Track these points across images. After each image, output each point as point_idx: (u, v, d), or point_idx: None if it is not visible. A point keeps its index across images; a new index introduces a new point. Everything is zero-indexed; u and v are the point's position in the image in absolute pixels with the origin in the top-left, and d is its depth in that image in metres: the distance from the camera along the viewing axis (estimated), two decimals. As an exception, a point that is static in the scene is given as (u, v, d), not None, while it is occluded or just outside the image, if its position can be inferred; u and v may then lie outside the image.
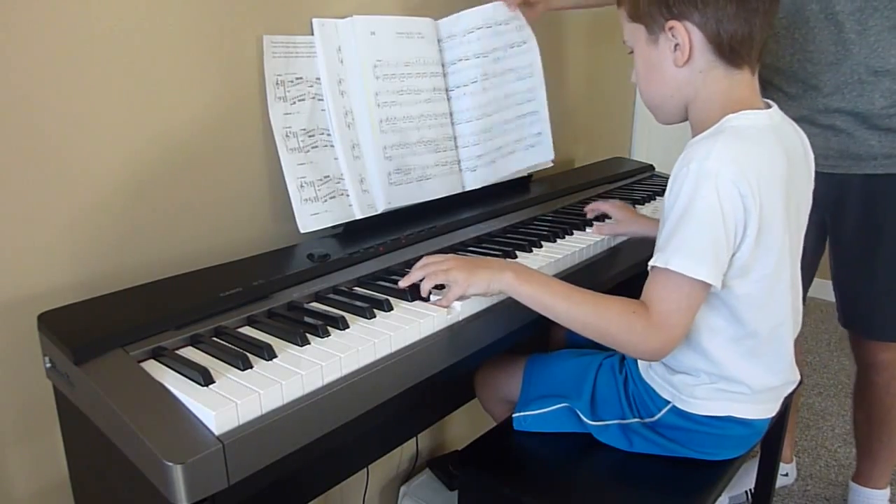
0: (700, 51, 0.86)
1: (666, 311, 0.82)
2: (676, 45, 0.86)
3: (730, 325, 0.88)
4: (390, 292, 0.93)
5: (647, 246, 1.15)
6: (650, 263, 0.84)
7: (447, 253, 1.09)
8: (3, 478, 0.90)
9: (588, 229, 1.24)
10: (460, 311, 0.88)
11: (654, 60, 0.90)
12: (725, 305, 0.87)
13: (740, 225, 0.81)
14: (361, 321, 0.84)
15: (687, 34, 0.84)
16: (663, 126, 0.99)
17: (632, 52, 0.94)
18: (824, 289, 3.14)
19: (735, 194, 0.79)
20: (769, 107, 0.90)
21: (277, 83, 1.07)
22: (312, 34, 1.11)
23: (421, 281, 0.90)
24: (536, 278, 0.89)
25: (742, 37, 0.84)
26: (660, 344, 0.83)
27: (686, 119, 0.94)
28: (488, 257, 1.01)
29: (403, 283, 0.92)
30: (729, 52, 0.85)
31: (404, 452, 1.58)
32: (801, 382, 1.07)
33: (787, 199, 0.86)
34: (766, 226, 0.83)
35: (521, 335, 0.98)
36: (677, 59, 0.87)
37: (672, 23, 0.85)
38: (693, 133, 0.91)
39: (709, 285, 0.81)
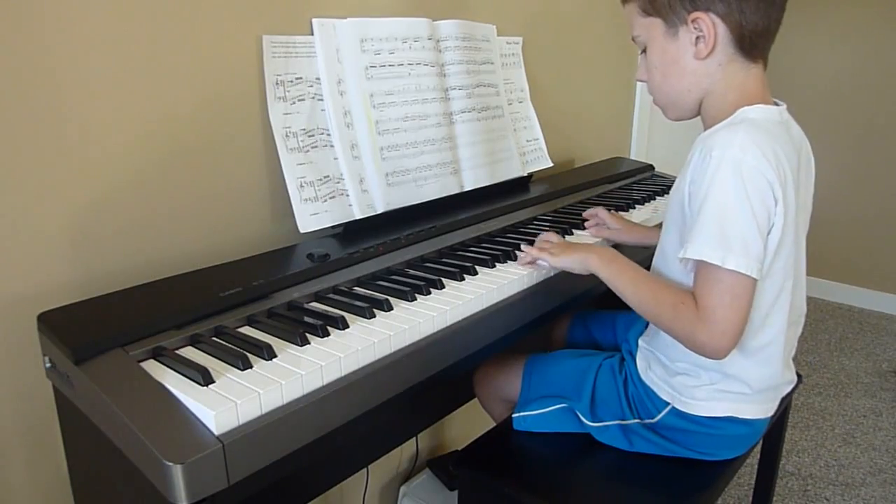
0: (722, 43, 0.86)
1: (710, 306, 0.80)
2: (698, 37, 0.86)
3: None
4: (390, 292, 0.93)
5: (646, 247, 1.15)
6: (681, 255, 0.83)
7: (447, 252, 1.10)
8: (3, 478, 0.90)
9: (588, 230, 1.24)
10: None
11: (672, 54, 0.89)
12: None
13: (771, 213, 0.80)
14: (361, 321, 0.84)
15: (712, 25, 0.85)
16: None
17: (643, 50, 0.94)
18: (824, 289, 3.17)
19: (762, 181, 0.79)
20: (776, 105, 0.90)
21: (277, 83, 1.07)
22: (312, 34, 1.11)
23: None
24: (616, 264, 0.93)
25: (761, 30, 0.85)
26: (708, 338, 0.81)
27: (697, 115, 0.94)
28: (589, 244, 1.08)
29: (524, 252, 1.04)
30: (749, 44, 0.86)
31: (404, 452, 1.58)
32: (799, 382, 1.07)
33: (795, 195, 0.86)
34: (787, 218, 0.82)
35: (521, 335, 0.98)
36: (699, 52, 0.87)
37: (696, 14, 0.85)
38: (705, 126, 0.91)
39: (746, 275, 0.78)
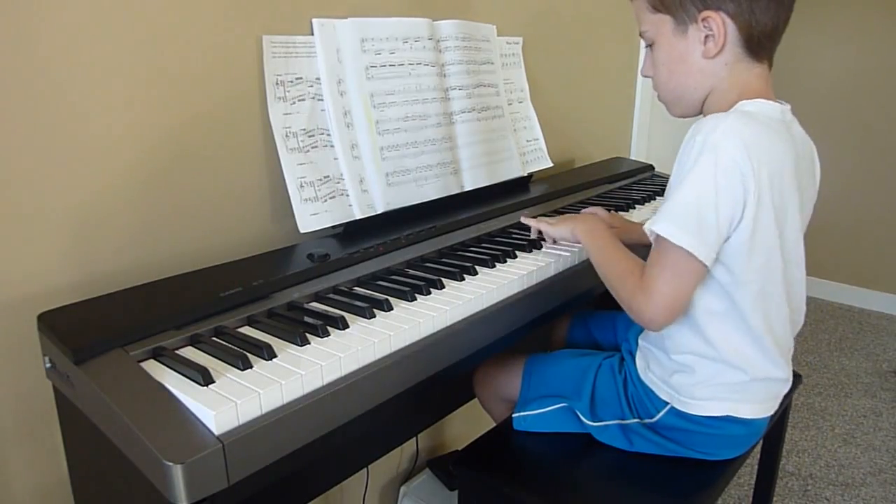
0: (730, 43, 0.86)
1: (651, 275, 0.85)
2: (707, 36, 0.86)
3: (727, 308, 0.88)
4: (390, 292, 0.93)
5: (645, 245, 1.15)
6: (644, 227, 0.86)
7: (447, 252, 1.10)
8: (3, 478, 0.90)
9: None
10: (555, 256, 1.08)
11: (680, 52, 0.90)
12: (722, 288, 0.87)
13: (738, 203, 0.81)
14: (361, 321, 0.84)
15: (722, 24, 0.85)
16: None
17: (650, 45, 0.94)
18: (824, 289, 3.17)
19: (734, 171, 0.79)
20: (780, 104, 0.90)
21: (277, 83, 1.07)
22: (312, 34, 1.11)
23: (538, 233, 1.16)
24: (597, 235, 1.00)
25: (770, 30, 0.86)
26: (641, 306, 0.85)
27: (701, 112, 0.94)
28: (580, 214, 1.15)
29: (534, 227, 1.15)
30: (757, 45, 0.86)
31: (404, 452, 1.58)
32: (799, 383, 1.07)
33: (790, 193, 0.86)
34: (761, 210, 0.82)
35: (521, 335, 0.98)
36: (708, 51, 0.87)
37: (707, 13, 0.85)
38: None
39: (694, 256, 0.80)
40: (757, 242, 0.84)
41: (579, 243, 1.04)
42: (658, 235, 0.83)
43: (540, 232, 1.14)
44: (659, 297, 0.84)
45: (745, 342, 0.90)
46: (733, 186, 0.80)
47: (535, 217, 1.15)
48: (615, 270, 0.92)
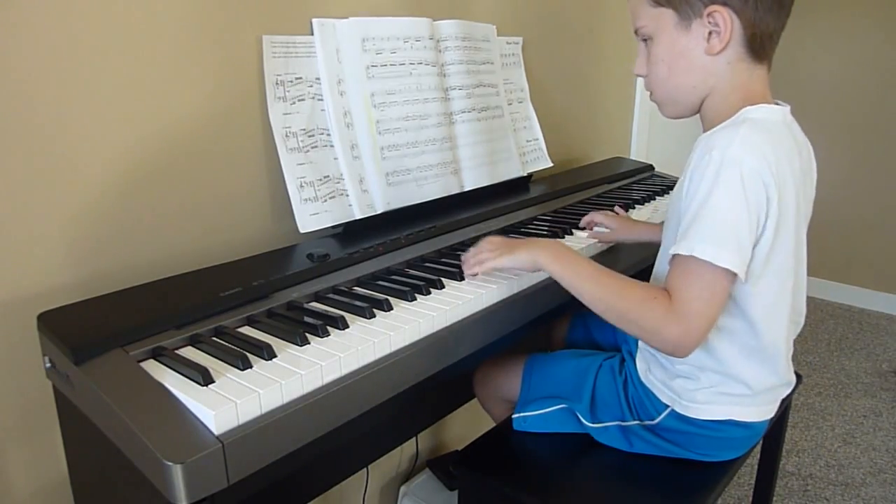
0: (734, 40, 0.85)
1: (687, 299, 0.79)
2: (711, 32, 0.85)
3: (739, 324, 0.88)
4: (390, 292, 0.93)
5: (645, 245, 1.15)
6: (672, 251, 0.82)
7: (447, 252, 1.10)
8: (3, 478, 0.90)
9: (586, 232, 1.23)
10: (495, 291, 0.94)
11: (682, 48, 0.88)
12: (736, 304, 0.86)
13: (762, 214, 0.80)
14: (361, 321, 0.84)
15: (729, 20, 0.84)
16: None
17: (645, 40, 0.92)
18: (824, 289, 3.17)
19: (759, 182, 0.79)
20: (779, 105, 0.90)
21: (277, 83, 1.07)
22: (312, 34, 1.11)
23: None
24: (569, 259, 0.89)
25: (772, 30, 0.85)
26: (679, 333, 0.79)
27: (696, 114, 0.93)
28: (536, 238, 1.03)
29: (467, 269, 0.97)
30: (759, 45, 0.85)
31: (404, 452, 1.58)
32: (799, 383, 1.07)
33: (797, 196, 0.85)
34: (783, 219, 0.82)
35: (521, 335, 0.98)
36: (712, 47, 0.85)
37: (714, 7, 0.84)
38: (705, 126, 0.90)
39: (732, 274, 0.79)
40: (775, 251, 0.83)
41: (538, 270, 0.93)
42: (692, 257, 0.79)
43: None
44: (698, 321, 0.79)
45: (752, 359, 0.89)
46: (759, 198, 0.79)
47: (473, 257, 0.97)
48: (629, 297, 0.83)
